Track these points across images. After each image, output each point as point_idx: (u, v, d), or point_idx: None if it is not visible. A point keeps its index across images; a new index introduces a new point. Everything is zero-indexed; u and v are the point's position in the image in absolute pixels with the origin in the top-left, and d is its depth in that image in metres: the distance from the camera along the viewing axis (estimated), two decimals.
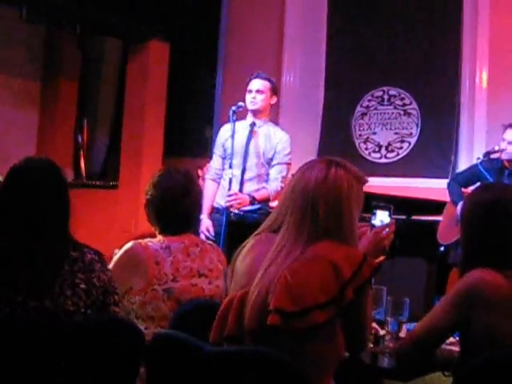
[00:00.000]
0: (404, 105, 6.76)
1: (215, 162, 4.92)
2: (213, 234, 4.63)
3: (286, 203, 2.22)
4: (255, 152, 4.74)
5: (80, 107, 7.77)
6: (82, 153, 7.71)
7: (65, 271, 2.24)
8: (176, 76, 7.19)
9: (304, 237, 2.14)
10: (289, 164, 4.82)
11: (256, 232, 2.31)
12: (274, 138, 4.79)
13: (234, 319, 2.12)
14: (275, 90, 4.88)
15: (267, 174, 4.78)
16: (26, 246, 2.23)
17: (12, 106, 7.25)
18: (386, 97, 6.87)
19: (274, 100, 4.87)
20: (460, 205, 4.94)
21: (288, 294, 2.03)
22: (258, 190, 4.72)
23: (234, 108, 4.70)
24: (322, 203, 2.15)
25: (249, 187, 4.69)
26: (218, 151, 4.91)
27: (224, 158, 4.85)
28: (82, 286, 2.26)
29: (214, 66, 7.44)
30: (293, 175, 2.30)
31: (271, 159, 4.77)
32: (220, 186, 4.84)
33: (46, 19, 6.93)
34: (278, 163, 4.78)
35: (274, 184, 4.74)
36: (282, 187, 4.71)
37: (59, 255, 2.26)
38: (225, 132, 4.87)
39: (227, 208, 4.55)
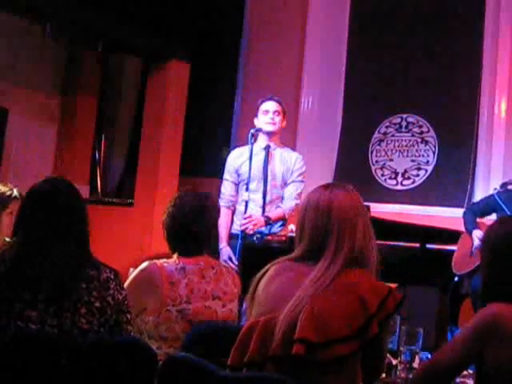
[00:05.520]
0: (422, 132, 6.75)
1: (228, 189, 4.86)
2: (236, 262, 4.57)
3: (320, 231, 2.20)
4: (272, 175, 4.74)
5: (98, 124, 7.80)
6: (98, 170, 7.73)
7: (81, 289, 2.27)
8: (195, 96, 7.21)
9: (338, 264, 2.15)
10: (303, 182, 4.83)
11: (280, 259, 2.29)
12: (289, 161, 4.81)
13: (256, 345, 2.11)
14: (285, 114, 4.90)
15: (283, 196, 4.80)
16: (42, 264, 2.26)
17: (31, 121, 7.29)
18: (403, 124, 6.86)
19: (284, 123, 4.89)
20: (474, 233, 4.95)
21: (313, 325, 2.03)
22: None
23: (252, 130, 4.69)
24: (360, 228, 2.19)
25: (269, 210, 4.69)
26: (230, 177, 4.86)
27: (237, 184, 4.84)
28: (97, 304, 2.29)
29: (233, 88, 7.46)
30: (306, 203, 2.28)
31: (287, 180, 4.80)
32: (236, 212, 4.82)
33: (69, 35, 6.98)
34: (293, 181, 4.80)
35: (289, 202, 4.76)
36: (296, 204, 4.69)
37: (73, 273, 2.28)
38: (237, 157, 4.85)
39: (243, 231, 4.52)
